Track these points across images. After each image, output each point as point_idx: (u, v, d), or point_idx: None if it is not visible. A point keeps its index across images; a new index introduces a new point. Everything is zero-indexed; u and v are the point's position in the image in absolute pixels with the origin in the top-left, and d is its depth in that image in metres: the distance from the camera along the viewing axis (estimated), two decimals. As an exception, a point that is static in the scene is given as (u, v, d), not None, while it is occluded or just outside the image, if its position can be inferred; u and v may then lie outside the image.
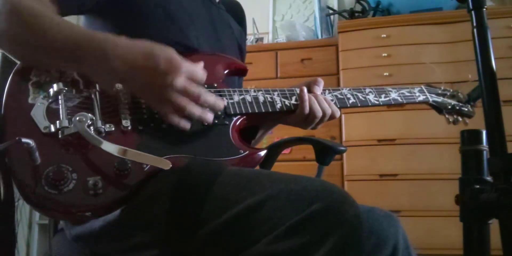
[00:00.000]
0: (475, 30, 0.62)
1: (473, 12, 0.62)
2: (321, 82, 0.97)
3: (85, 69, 0.73)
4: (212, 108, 0.76)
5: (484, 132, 0.62)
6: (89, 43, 0.72)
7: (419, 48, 2.49)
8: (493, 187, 0.56)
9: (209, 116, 0.76)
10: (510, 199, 0.53)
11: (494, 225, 0.58)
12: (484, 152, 0.62)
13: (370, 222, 0.86)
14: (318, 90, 0.95)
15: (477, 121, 0.70)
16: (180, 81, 0.71)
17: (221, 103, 0.77)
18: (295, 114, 0.92)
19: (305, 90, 0.92)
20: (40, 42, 0.72)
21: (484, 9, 0.62)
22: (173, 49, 0.73)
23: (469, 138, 0.64)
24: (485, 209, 0.57)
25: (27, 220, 2.78)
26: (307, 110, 0.91)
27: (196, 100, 0.73)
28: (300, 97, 0.91)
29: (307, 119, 0.92)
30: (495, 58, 0.60)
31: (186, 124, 0.75)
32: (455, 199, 0.61)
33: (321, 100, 0.93)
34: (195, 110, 0.73)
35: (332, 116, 0.95)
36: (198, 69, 0.74)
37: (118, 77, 0.72)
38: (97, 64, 0.71)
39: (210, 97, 0.75)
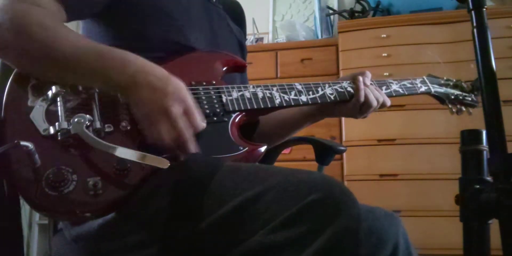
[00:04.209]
0: (475, 30, 0.62)
1: (473, 12, 0.62)
2: (369, 74, 1.02)
3: (100, 81, 0.73)
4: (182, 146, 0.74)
5: (484, 132, 0.62)
6: (110, 52, 0.73)
7: (419, 48, 2.48)
8: (493, 187, 0.56)
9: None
10: (510, 199, 0.53)
11: (494, 225, 0.58)
12: (484, 152, 0.62)
13: (371, 222, 0.86)
14: (367, 80, 1.01)
15: (477, 121, 0.69)
16: (176, 110, 0.71)
17: (193, 149, 0.75)
18: (350, 104, 0.97)
19: (361, 79, 0.98)
20: (49, 55, 0.72)
21: (484, 9, 0.62)
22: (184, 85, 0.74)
23: (469, 138, 0.64)
24: (485, 209, 0.57)
25: (27, 220, 2.78)
26: (362, 98, 0.97)
27: (176, 135, 0.72)
28: (356, 86, 0.97)
29: (362, 108, 0.98)
30: (495, 58, 0.60)
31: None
32: (455, 199, 0.61)
33: (373, 89, 1.00)
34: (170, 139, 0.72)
35: (384, 104, 1.01)
36: (198, 114, 0.74)
37: (132, 84, 0.72)
38: (117, 73, 0.71)
39: (189, 140, 0.73)
